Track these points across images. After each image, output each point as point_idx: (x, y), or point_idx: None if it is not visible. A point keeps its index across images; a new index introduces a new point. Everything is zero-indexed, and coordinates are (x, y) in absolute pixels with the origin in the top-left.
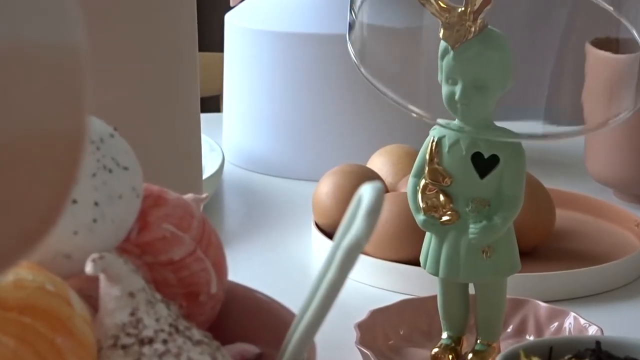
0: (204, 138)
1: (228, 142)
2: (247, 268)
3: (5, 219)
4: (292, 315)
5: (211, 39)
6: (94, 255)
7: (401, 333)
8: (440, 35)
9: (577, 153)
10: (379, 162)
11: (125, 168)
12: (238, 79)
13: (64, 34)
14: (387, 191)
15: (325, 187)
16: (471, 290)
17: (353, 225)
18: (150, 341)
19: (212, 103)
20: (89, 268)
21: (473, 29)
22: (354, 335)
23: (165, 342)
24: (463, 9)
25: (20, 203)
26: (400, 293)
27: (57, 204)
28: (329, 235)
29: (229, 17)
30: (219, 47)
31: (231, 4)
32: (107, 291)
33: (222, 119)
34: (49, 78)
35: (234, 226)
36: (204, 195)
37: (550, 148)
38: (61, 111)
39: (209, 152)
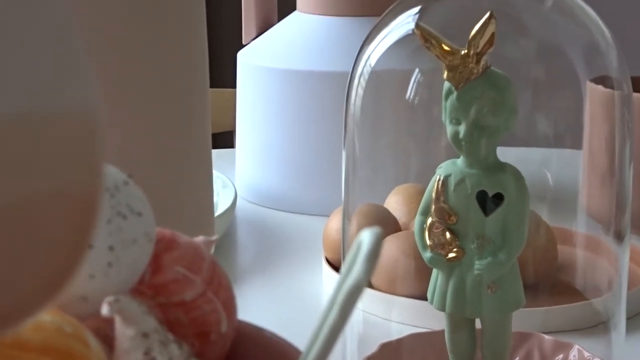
0: (217, 174)
1: (241, 178)
2: (259, 303)
3: (26, 275)
4: (298, 353)
5: (224, 75)
6: (110, 298)
7: None
8: (444, 76)
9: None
10: (393, 201)
11: (139, 214)
12: (250, 115)
13: (80, 98)
14: (399, 230)
15: (336, 223)
16: (478, 325)
17: (353, 269)
18: None
19: (226, 139)
20: (105, 310)
21: (476, 71)
22: None
23: None
24: (466, 51)
25: (38, 258)
26: (411, 325)
27: (71, 262)
28: (340, 270)
29: (241, 55)
30: (232, 84)
31: (243, 42)
32: (122, 332)
33: (235, 155)
34: (63, 144)
35: (247, 262)
36: (213, 238)
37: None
38: (76, 175)
39: (222, 188)
